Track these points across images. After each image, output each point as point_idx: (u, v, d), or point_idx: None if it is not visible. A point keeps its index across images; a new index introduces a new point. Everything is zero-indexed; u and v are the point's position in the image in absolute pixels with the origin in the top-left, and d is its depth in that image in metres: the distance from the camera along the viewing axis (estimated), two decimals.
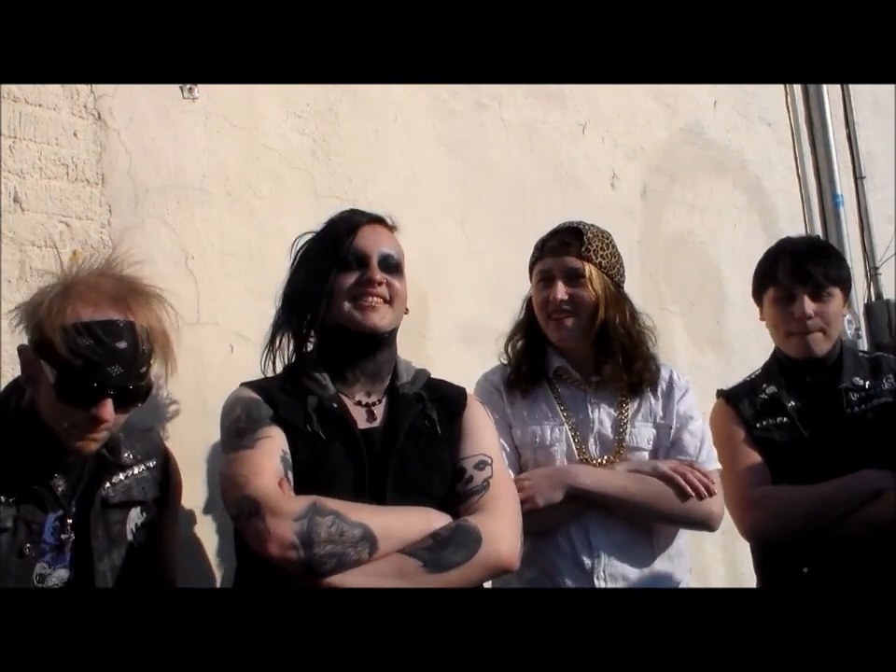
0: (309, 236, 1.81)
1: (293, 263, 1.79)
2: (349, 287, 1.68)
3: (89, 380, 1.45)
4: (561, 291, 2.00)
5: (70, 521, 1.56)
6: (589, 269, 2.02)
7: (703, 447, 2.05)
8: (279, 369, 1.78)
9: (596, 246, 2.04)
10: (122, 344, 1.48)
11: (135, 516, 1.66)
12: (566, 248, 2.03)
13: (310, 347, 1.78)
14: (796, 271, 2.15)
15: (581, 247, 2.02)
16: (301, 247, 1.80)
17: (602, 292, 2.02)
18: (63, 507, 1.56)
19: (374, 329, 1.69)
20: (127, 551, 1.62)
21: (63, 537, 1.55)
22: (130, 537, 1.63)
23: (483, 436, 1.77)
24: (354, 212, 1.81)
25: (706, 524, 2.00)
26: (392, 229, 1.81)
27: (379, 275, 1.69)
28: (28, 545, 1.50)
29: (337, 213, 1.81)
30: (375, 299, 1.69)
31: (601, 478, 1.95)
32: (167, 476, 1.76)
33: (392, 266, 1.73)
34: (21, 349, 1.56)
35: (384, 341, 1.73)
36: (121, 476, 1.65)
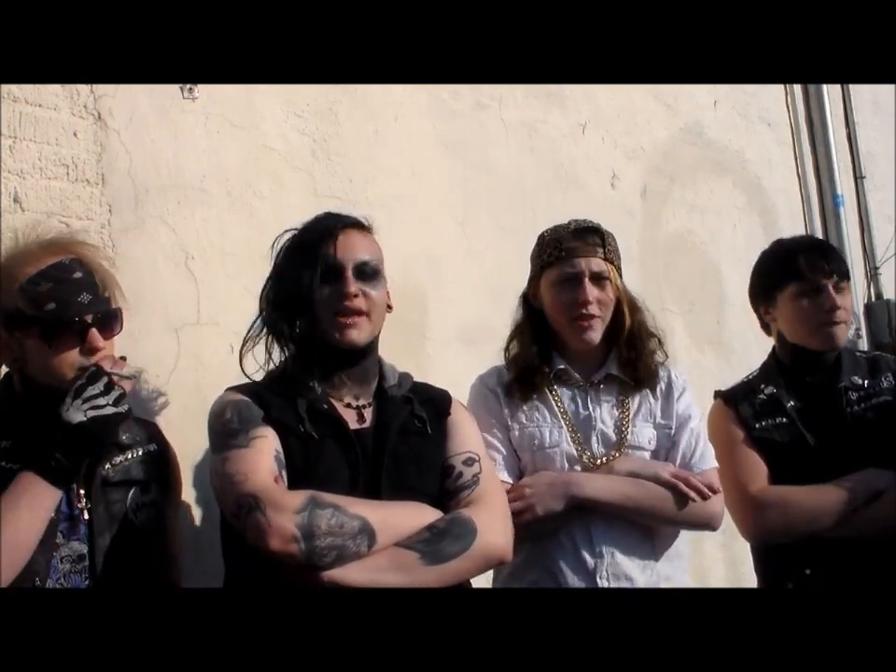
0: (290, 234, 1.76)
1: (275, 264, 1.76)
2: (326, 301, 1.66)
3: (67, 316, 1.55)
4: (591, 294, 1.99)
5: (83, 493, 1.60)
6: (611, 271, 2.02)
7: (698, 446, 2.05)
8: (253, 366, 1.78)
9: (613, 247, 2.05)
10: (78, 274, 1.57)
11: (135, 496, 1.68)
12: (592, 249, 2.01)
13: (292, 351, 1.76)
14: (819, 264, 2.16)
15: (605, 248, 2.02)
16: (281, 247, 1.76)
17: (624, 295, 2.05)
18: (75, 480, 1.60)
19: (352, 345, 1.68)
20: (128, 529, 1.64)
21: (76, 509, 1.59)
22: (131, 515, 1.66)
23: (469, 435, 1.79)
24: (329, 216, 1.75)
25: (709, 524, 2.01)
26: (368, 231, 1.77)
27: (354, 287, 1.66)
28: None
29: (315, 216, 1.77)
30: (353, 317, 1.67)
31: (604, 486, 1.94)
32: (166, 461, 1.79)
33: (369, 274, 1.70)
34: None
35: (364, 351, 1.72)
36: (120, 457, 1.68)
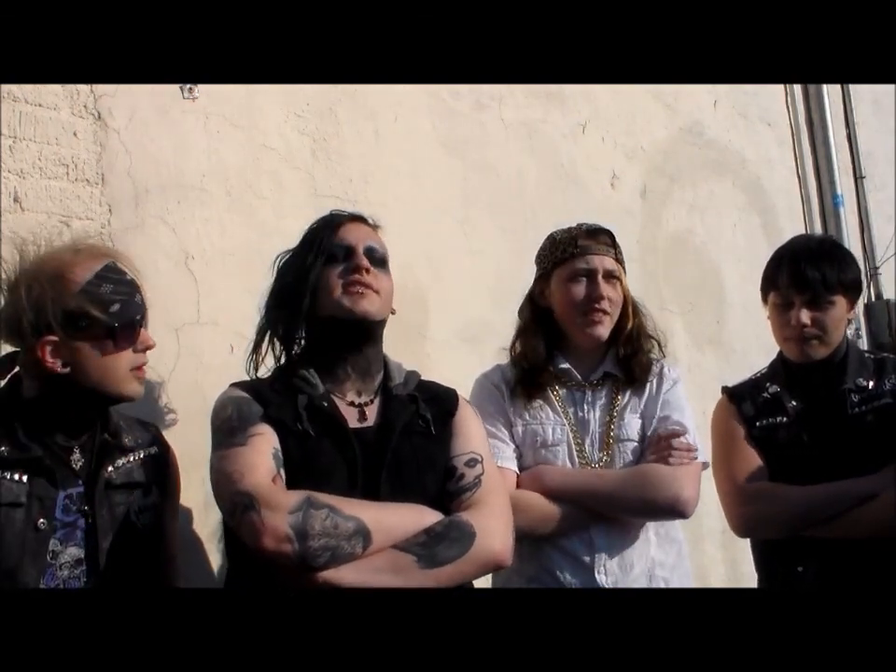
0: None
1: (276, 274, 1.80)
2: (338, 274, 1.69)
3: (130, 316, 1.60)
4: (605, 290, 2.03)
5: (84, 498, 1.60)
6: (620, 272, 2.08)
7: (677, 411, 2.05)
8: (262, 373, 1.79)
9: (621, 251, 2.11)
10: (128, 276, 1.64)
11: (138, 498, 1.68)
12: (606, 249, 2.07)
13: (298, 349, 1.78)
14: (794, 279, 2.13)
15: (615, 249, 2.08)
16: (282, 258, 1.81)
17: (629, 295, 2.10)
18: (84, 481, 1.60)
19: (365, 314, 1.69)
20: (130, 531, 1.64)
21: (73, 514, 1.58)
22: (133, 518, 1.66)
23: (474, 435, 1.78)
24: (334, 212, 1.82)
25: (674, 509, 1.95)
26: (374, 227, 1.82)
27: (366, 262, 1.70)
28: (42, 520, 1.53)
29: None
30: (364, 287, 1.69)
31: (559, 478, 1.98)
32: (167, 463, 1.79)
33: (377, 259, 1.74)
34: (9, 357, 1.61)
35: (372, 332, 1.73)
36: (123, 460, 1.68)
